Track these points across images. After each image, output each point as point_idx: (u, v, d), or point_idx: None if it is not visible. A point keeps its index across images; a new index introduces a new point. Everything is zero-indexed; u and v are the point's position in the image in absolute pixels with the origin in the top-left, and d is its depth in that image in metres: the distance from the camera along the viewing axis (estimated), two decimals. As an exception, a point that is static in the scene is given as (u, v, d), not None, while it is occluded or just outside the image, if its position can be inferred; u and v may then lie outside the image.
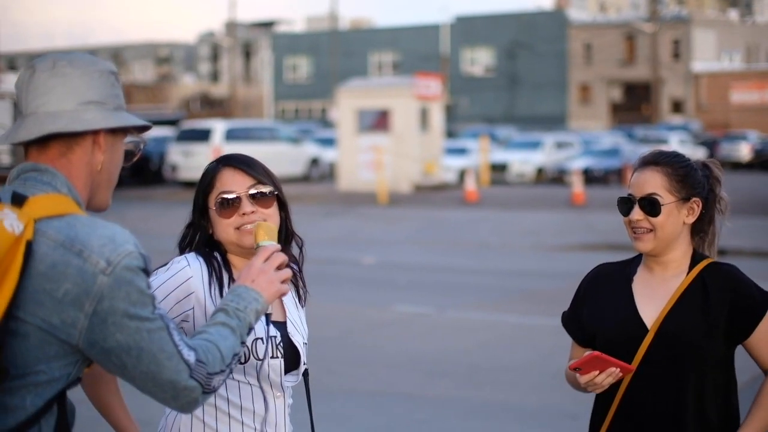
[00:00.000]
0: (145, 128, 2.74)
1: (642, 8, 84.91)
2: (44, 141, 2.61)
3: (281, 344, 3.37)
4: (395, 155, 33.66)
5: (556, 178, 40.48)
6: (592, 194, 31.13)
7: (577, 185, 29.99)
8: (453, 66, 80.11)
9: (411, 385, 10.02)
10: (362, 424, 8.81)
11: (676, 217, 3.59)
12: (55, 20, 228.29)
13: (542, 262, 18.77)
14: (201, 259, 3.38)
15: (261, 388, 3.34)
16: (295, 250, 3.56)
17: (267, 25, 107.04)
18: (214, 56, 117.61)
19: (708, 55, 77.54)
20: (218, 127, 37.17)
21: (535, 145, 43.71)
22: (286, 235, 3.50)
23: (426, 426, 8.78)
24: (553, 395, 9.57)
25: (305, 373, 3.49)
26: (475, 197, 30.61)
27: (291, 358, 3.40)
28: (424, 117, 34.93)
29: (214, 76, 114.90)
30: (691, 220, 3.63)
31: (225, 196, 3.39)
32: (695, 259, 3.65)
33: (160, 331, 2.54)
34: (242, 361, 3.29)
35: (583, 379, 3.49)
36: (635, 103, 77.45)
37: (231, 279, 3.38)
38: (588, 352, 3.47)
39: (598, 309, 3.70)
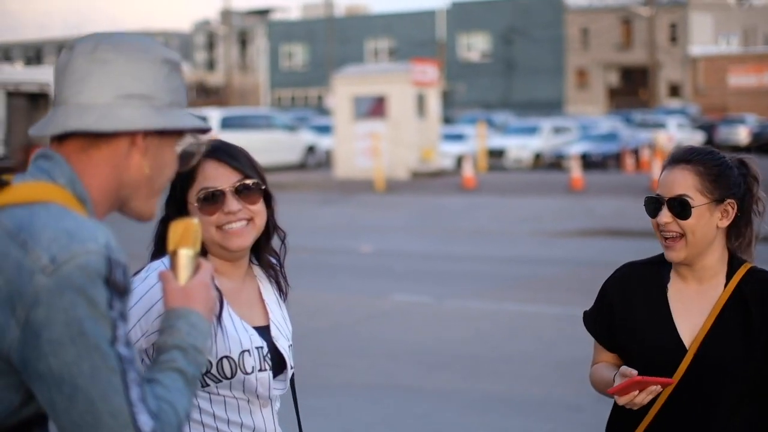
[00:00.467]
0: (204, 130, 2.33)
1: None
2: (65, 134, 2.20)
3: (269, 355, 3.11)
4: (392, 142, 33.44)
5: (554, 163, 40.29)
6: (591, 179, 30.94)
7: (576, 170, 29.81)
8: (449, 52, 79.88)
9: (409, 378, 9.79)
10: (358, 419, 8.58)
11: (708, 221, 3.29)
12: (50, 10, 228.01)
13: (541, 249, 18.55)
14: None
15: (248, 401, 3.09)
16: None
17: (262, 13, 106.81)
18: (210, 45, 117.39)
19: (705, 38, 77.33)
20: (214, 115, 37.00)
21: (532, 131, 43.54)
22: (270, 229, 3.23)
23: (425, 420, 8.55)
24: (555, 386, 9.34)
25: (291, 377, 3.25)
26: (473, 183, 30.41)
27: (276, 363, 3.15)
28: (420, 103, 34.73)
29: (210, 65, 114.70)
30: (725, 223, 3.33)
31: (208, 191, 3.08)
32: (732, 264, 3.36)
33: (110, 374, 1.98)
34: (229, 376, 3.03)
35: (622, 400, 3.22)
36: (633, 88, 77.25)
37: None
38: (626, 376, 3.20)
39: (633, 321, 3.40)
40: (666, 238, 3.31)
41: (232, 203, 3.07)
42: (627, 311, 3.41)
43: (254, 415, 3.09)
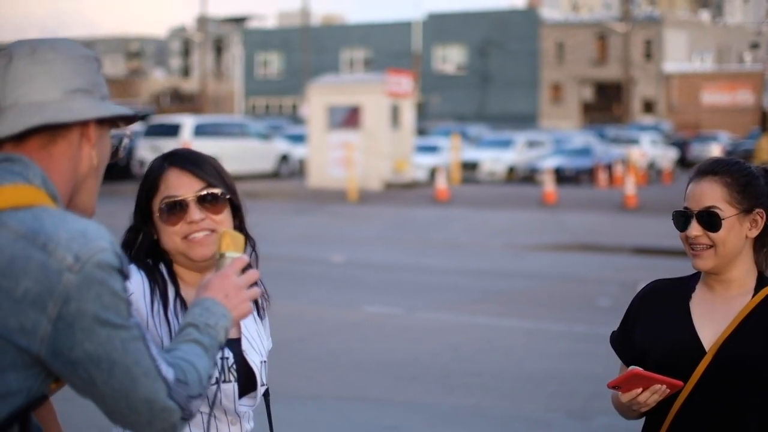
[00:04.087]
0: (132, 119, 2.45)
1: (614, 8, 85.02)
2: (23, 134, 2.30)
3: (234, 366, 3.02)
4: (366, 152, 33.40)
5: (528, 177, 40.34)
6: (564, 194, 30.97)
7: (549, 184, 29.82)
8: (425, 63, 79.95)
9: (379, 390, 9.73)
10: (327, 430, 8.52)
11: (738, 231, 3.26)
12: (28, 12, 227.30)
13: (514, 262, 18.53)
14: (142, 273, 3.02)
15: (213, 415, 2.99)
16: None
17: (238, 21, 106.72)
18: (185, 51, 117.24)
19: (679, 55, 77.72)
20: (187, 122, 36.90)
21: (506, 144, 43.58)
22: None
23: (394, 432, 8.50)
24: (525, 401, 9.30)
25: (266, 394, 3.15)
26: (446, 196, 30.39)
27: (246, 378, 3.05)
28: (395, 114, 34.71)
29: (185, 71, 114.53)
30: (755, 233, 3.29)
31: (170, 200, 3.01)
32: (762, 280, 3.32)
33: (136, 342, 2.22)
34: None
35: (625, 397, 3.18)
36: (607, 103, 77.51)
37: (178, 294, 3.03)
38: (628, 369, 3.17)
39: (651, 328, 3.37)
40: (694, 249, 3.29)
41: (195, 212, 3.01)
42: (647, 320, 3.39)
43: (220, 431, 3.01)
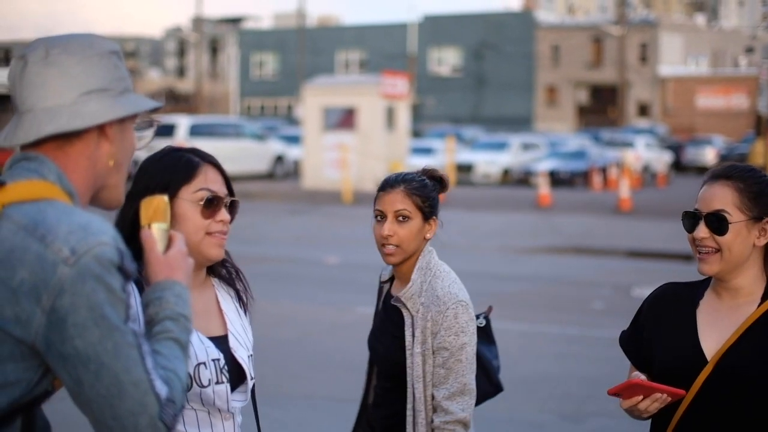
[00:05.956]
0: (158, 108, 2.49)
1: (610, 11, 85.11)
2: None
3: (226, 367, 3.04)
4: (360, 154, 33.41)
5: (522, 179, 40.37)
6: (558, 196, 30.99)
7: (543, 187, 29.86)
8: (420, 65, 79.97)
9: (372, 391, 9.71)
10: (320, 431, 8.52)
11: (746, 238, 3.26)
12: (24, 12, 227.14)
13: (508, 265, 18.53)
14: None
15: (207, 412, 3.01)
16: None
17: (234, 21, 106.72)
18: (181, 51, 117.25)
19: (675, 59, 77.80)
20: (182, 122, 36.85)
21: (501, 146, 43.60)
22: None
23: (387, 434, 8.48)
24: (519, 403, 9.29)
25: (252, 389, 3.18)
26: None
27: (236, 374, 3.08)
28: (390, 116, 34.72)
29: (180, 72, 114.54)
30: (763, 242, 3.30)
31: (214, 194, 3.05)
32: None
33: (129, 349, 2.18)
34: None
35: (624, 404, 3.20)
36: (602, 106, 77.57)
37: None
38: (629, 378, 3.18)
39: (657, 333, 3.38)
40: (700, 252, 3.29)
41: (224, 213, 3.06)
42: (655, 326, 3.40)
43: (215, 428, 3.03)
